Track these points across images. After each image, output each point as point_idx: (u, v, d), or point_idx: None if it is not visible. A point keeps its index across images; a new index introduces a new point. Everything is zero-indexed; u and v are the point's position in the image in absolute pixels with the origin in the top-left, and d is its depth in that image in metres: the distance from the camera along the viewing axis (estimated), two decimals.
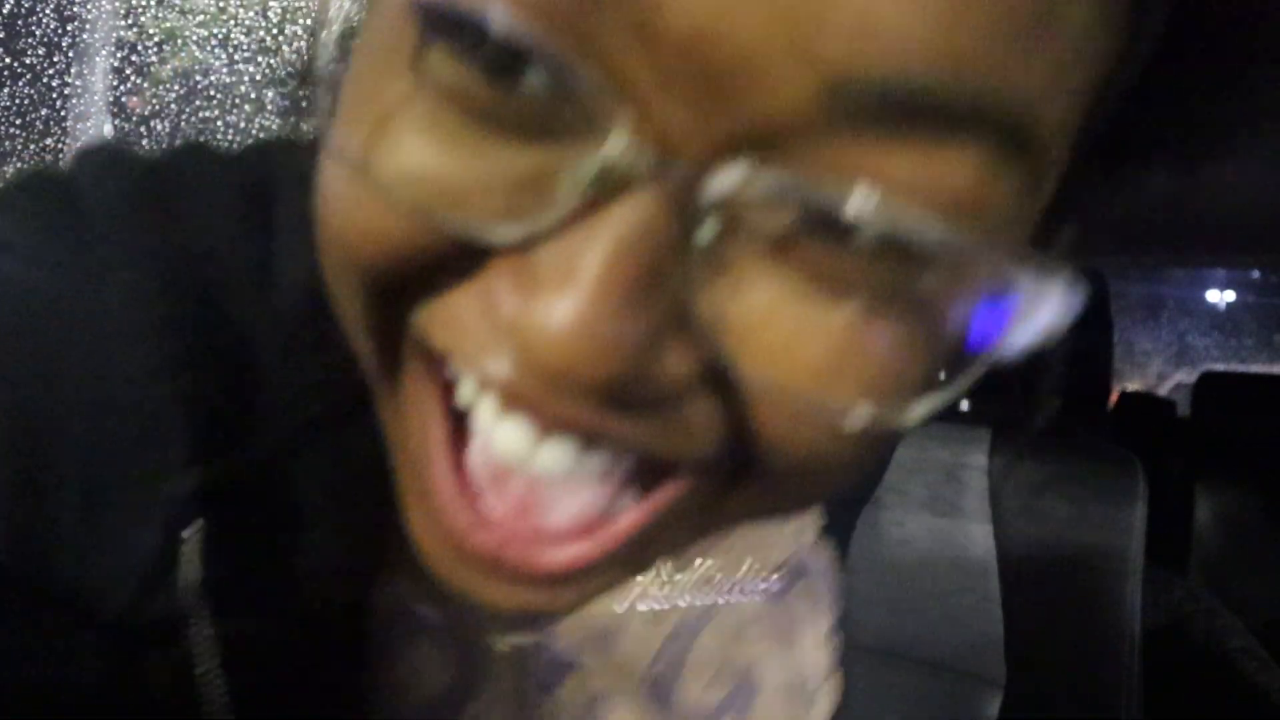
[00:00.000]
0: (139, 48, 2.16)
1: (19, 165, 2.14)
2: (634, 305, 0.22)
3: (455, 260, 0.24)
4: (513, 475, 0.27)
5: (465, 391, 0.26)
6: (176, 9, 2.09)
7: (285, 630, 0.31)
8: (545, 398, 0.24)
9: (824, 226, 0.22)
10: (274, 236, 0.33)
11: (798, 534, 0.47)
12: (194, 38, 2.11)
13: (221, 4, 2.08)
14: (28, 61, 1.96)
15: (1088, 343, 1.87)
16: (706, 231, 0.22)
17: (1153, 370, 6.06)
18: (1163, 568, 1.22)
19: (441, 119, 0.23)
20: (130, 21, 2.10)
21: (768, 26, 0.20)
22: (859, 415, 0.24)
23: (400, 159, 0.24)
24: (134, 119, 2.28)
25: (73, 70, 2.06)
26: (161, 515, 0.29)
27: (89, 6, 2.08)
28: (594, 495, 0.27)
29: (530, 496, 0.27)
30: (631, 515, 0.28)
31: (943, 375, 0.26)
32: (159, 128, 2.23)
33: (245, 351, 0.32)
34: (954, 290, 0.24)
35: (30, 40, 1.92)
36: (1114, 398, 2.41)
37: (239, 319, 0.32)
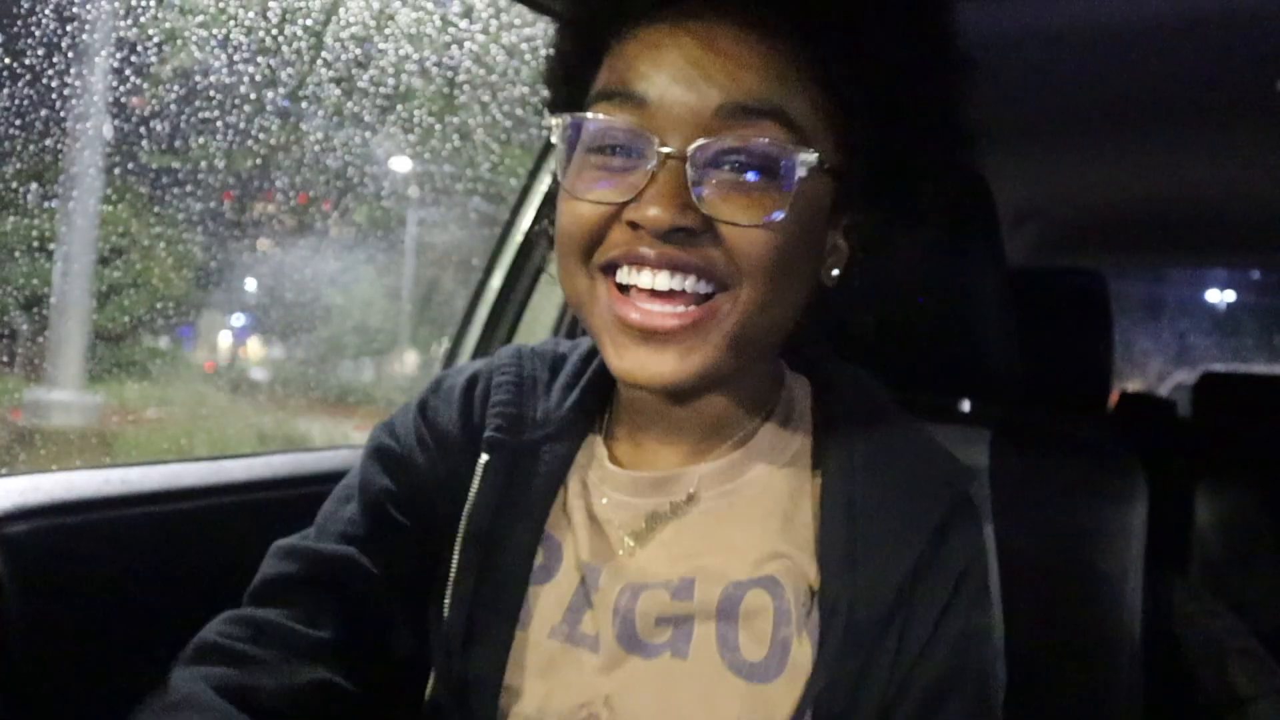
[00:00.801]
0: (138, 48, 2.15)
1: (18, 166, 2.13)
2: (674, 201, 0.68)
3: (611, 224, 0.72)
4: (647, 295, 0.71)
5: (621, 275, 0.72)
6: (176, 9, 2.08)
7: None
8: (653, 253, 0.69)
9: (736, 160, 0.70)
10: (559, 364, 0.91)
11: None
12: (194, 38, 2.10)
13: (222, 4, 2.07)
14: (27, 62, 1.95)
15: (1087, 343, 1.88)
16: (696, 171, 0.69)
17: (1153, 370, 6.04)
18: (1163, 568, 1.21)
19: (595, 171, 0.73)
20: (130, 21, 2.10)
21: (689, 91, 0.70)
22: (772, 230, 0.70)
23: (587, 189, 0.73)
24: (134, 119, 2.27)
25: (72, 70, 2.05)
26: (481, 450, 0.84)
27: (88, 6, 2.07)
28: (680, 301, 0.70)
29: (653, 303, 0.70)
30: (697, 308, 0.70)
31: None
32: (159, 128, 2.23)
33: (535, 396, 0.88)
34: (796, 186, 0.69)
35: (29, 40, 1.91)
36: (1114, 398, 2.40)
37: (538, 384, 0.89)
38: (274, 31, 2.09)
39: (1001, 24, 1.24)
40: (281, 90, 2.14)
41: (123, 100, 2.19)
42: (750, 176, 0.69)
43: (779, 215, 0.69)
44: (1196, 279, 6.45)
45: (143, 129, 2.25)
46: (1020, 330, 1.32)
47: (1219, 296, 6.85)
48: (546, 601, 0.80)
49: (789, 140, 0.69)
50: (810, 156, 0.69)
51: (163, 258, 2.42)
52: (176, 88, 2.19)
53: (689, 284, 0.70)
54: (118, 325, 2.39)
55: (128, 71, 2.14)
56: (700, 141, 0.68)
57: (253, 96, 2.15)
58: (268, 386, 2.91)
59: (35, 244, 2.08)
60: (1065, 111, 1.59)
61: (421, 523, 0.85)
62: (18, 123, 1.96)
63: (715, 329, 0.71)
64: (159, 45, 2.19)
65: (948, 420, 1.30)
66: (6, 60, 1.99)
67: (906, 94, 0.73)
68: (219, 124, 2.22)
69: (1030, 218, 2.31)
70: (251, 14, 2.07)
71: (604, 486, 0.83)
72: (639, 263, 0.70)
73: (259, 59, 2.10)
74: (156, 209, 2.36)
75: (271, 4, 2.03)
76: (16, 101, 2.06)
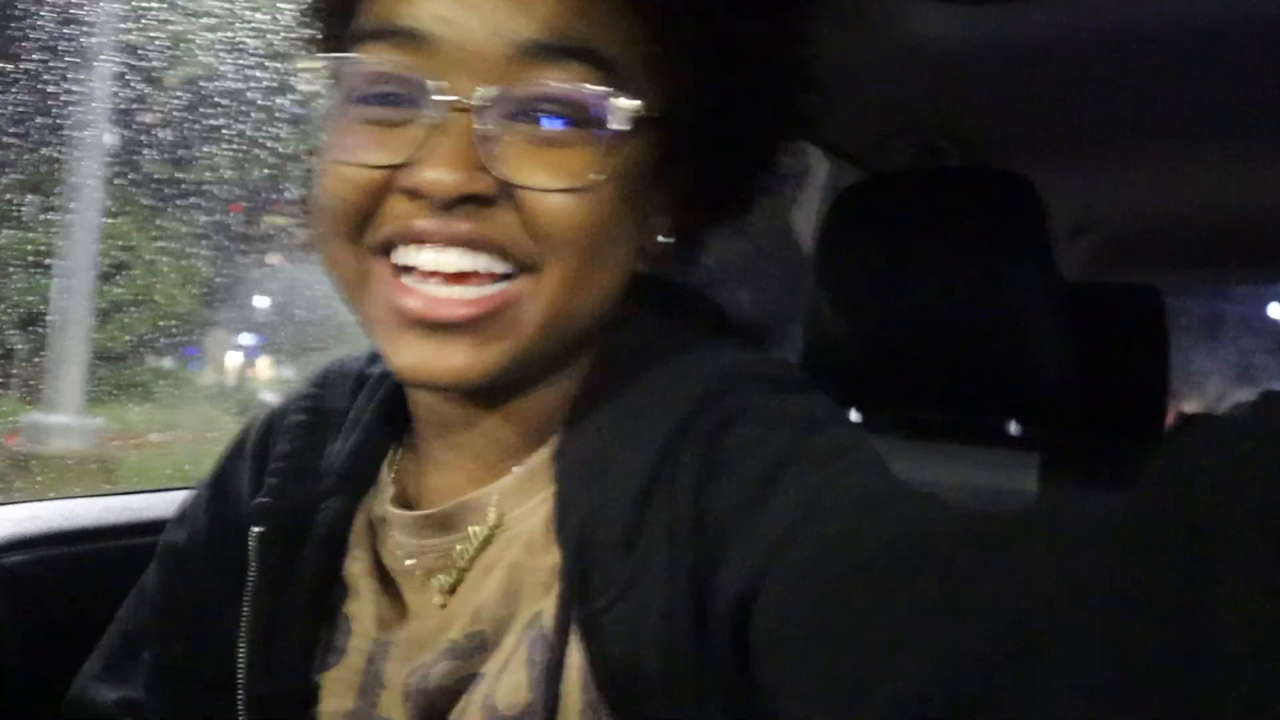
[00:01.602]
0: (142, 52, 2.05)
1: (18, 176, 2.03)
2: (462, 162, 0.55)
3: (385, 193, 0.58)
4: (430, 278, 0.57)
5: (399, 254, 0.58)
6: (183, 11, 1.98)
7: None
8: (436, 227, 0.56)
9: (532, 108, 0.57)
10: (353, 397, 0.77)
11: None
12: (201, 42, 2.00)
13: (230, 6, 1.97)
14: (25, 66, 1.84)
15: (1143, 361, 1.78)
16: (488, 124, 0.55)
17: (1212, 390, 5.91)
18: None
19: (363, 127, 0.59)
20: (135, 25, 1.99)
21: (480, 26, 0.56)
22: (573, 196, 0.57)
23: (353, 151, 0.58)
24: (134, 127, 2.17)
25: (72, 76, 1.95)
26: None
27: (90, 9, 1.97)
28: (473, 282, 0.57)
29: (439, 287, 0.57)
30: (493, 292, 0.57)
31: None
32: (164, 137, 2.12)
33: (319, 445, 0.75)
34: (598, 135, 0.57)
35: (27, 44, 1.81)
36: (1171, 419, 2.28)
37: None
38: (285, 35, 1.98)
39: (1054, 29, 1.16)
40: (293, 96, 2.03)
41: (126, 107, 2.09)
42: (556, 129, 0.57)
43: (592, 177, 0.57)
44: (1259, 295, 6.26)
45: (143, 138, 2.15)
46: (1076, 348, 1.24)
47: None
48: (336, 689, 0.69)
49: (603, 84, 0.57)
50: (630, 103, 0.57)
51: (167, 273, 2.32)
52: (182, 94, 2.09)
53: (482, 263, 0.57)
54: (119, 344, 2.28)
55: (131, 77, 2.04)
56: (493, 89, 0.55)
57: (262, 103, 2.04)
58: None
59: (34, 259, 1.97)
60: (1123, 121, 1.54)
61: (209, 638, 0.74)
62: (14, 131, 1.85)
63: (516, 317, 0.58)
64: (165, 50, 2.09)
65: (993, 443, 1.23)
66: (2, 65, 1.89)
67: (737, 27, 0.62)
68: (226, 132, 2.11)
69: (1086, 231, 2.21)
70: (261, 16, 1.96)
71: (391, 531, 0.69)
72: (420, 239, 0.57)
73: (269, 63, 1.99)
74: (160, 221, 2.25)
75: (283, 5, 1.91)
76: (13, 108, 1.96)
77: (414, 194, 0.57)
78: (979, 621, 0.34)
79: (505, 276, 0.59)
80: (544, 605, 0.62)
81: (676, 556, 0.57)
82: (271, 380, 2.92)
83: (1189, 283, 3.87)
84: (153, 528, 0.98)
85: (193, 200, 2.30)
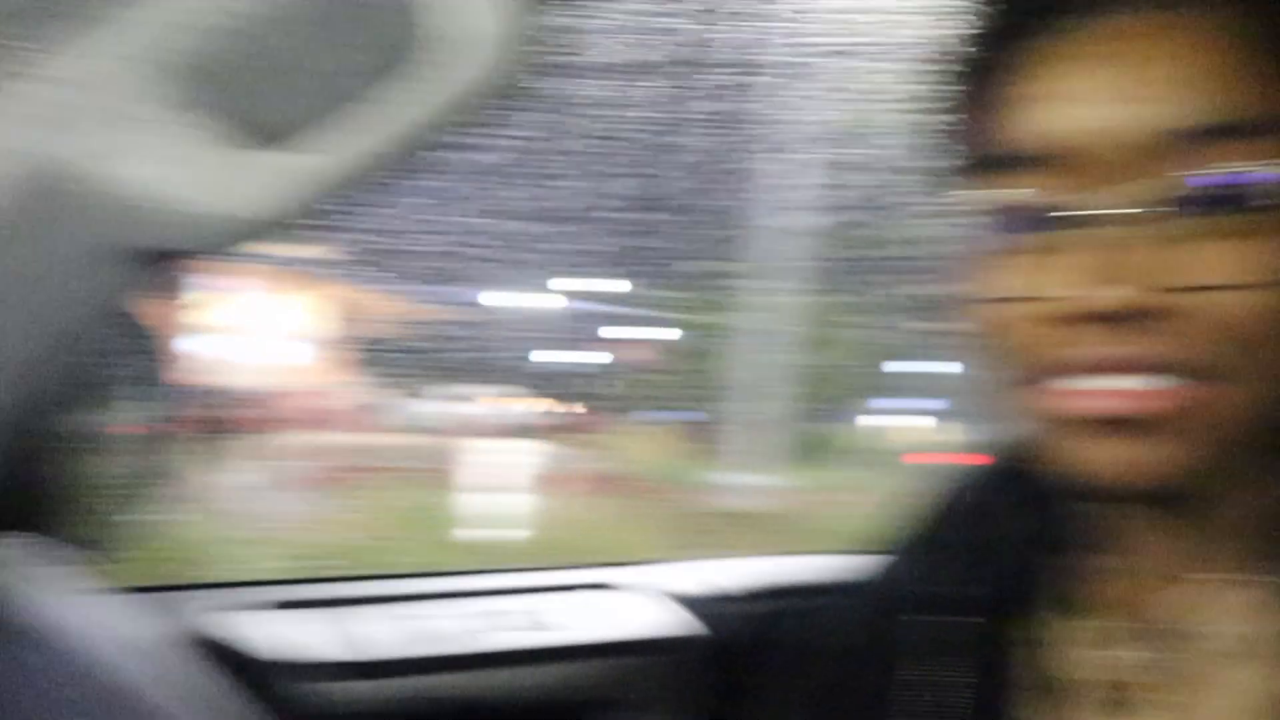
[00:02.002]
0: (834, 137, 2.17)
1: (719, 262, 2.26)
2: (1122, 274, 0.50)
3: (1045, 324, 0.54)
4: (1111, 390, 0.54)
5: (1066, 382, 0.55)
6: (869, 99, 2.04)
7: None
8: (1105, 353, 0.52)
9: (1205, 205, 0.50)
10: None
11: None
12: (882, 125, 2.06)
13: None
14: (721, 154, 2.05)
15: None
16: (1146, 227, 0.50)
17: None
18: None
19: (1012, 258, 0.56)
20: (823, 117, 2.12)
21: (1114, 118, 0.52)
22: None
23: (1005, 284, 0.56)
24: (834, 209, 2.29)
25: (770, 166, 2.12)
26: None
27: (790, 104, 2.14)
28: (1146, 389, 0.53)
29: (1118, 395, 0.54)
30: (1167, 395, 0.52)
31: None
32: (848, 219, 2.21)
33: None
34: None
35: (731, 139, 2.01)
36: None
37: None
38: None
39: None
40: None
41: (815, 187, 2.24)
42: (1225, 219, 0.51)
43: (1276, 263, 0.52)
44: None
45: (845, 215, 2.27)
46: None
47: None
48: None
49: (1267, 154, 0.51)
50: None
51: (850, 343, 2.42)
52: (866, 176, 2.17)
53: (1155, 380, 0.54)
54: (806, 410, 2.44)
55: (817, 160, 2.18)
56: (1143, 186, 0.52)
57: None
58: None
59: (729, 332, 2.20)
60: None
61: None
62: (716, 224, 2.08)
63: (1199, 420, 0.55)
64: (853, 135, 2.19)
65: None
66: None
67: None
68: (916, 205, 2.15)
69: None
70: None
71: (1063, 642, 0.67)
72: (1089, 369, 0.55)
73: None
74: (845, 294, 2.36)
75: None
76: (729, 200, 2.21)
77: (1072, 320, 0.54)
78: None
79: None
80: None
81: None
82: (947, 447, 2.90)
83: None
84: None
85: (878, 272, 2.38)
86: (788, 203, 2.19)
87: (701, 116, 1.91)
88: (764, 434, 2.37)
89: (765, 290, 2.27)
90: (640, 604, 1.09)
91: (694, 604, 1.06)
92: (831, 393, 2.56)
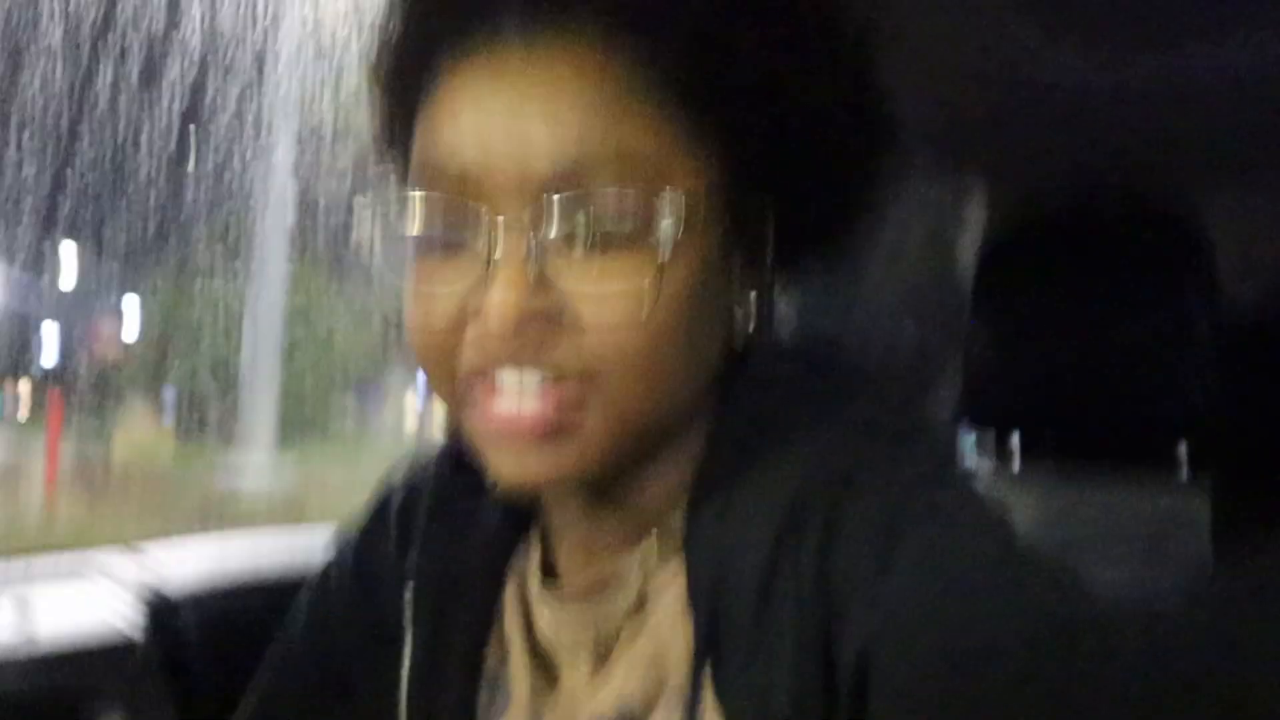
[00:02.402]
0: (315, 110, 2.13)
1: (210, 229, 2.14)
2: (520, 284, 0.54)
3: (463, 320, 0.57)
4: (514, 393, 0.58)
5: (484, 377, 0.57)
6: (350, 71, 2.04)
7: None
8: (510, 351, 0.55)
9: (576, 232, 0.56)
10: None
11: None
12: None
13: None
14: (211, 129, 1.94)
15: None
16: (543, 244, 0.54)
17: None
18: None
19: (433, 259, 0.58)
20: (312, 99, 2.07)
21: (515, 150, 0.55)
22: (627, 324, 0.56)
23: (428, 281, 0.58)
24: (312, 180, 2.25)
25: (260, 137, 2.03)
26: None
27: (274, 81, 2.06)
28: (547, 396, 0.57)
29: (524, 402, 0.57)
30: (564, 393, 0.57)
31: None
32: (336, 186, 2.19)
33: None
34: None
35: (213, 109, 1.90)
36: None
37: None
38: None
39: (1211, 65, 1.12)
40: None
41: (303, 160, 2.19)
42: (611, 235, 0.58)
43: (654, 273, 0.58)
44: None
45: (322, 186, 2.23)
46: (1254, 382, 1.27)
47: None
48: None
49: (651, 183, 0.58)
50: (681, 197, 0.58)
51: (346, 316, 2.39)
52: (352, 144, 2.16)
53: (550, 380, 0.59)
54: (304, 387, 2.37)
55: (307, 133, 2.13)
56: (538, 205, 0.58)
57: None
58: None
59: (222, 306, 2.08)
60: None
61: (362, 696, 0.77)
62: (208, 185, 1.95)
63: (588, 417, 0.61)
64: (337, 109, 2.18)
65: (1155, 484, 1.20)
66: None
67: (791, 92, 0.61)
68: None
69: (1261, 270, 2.13)
70: None
71: (539, 602, 0.70)
72: (498, 363, 0.59)
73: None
74: (339, 267, 2.33)
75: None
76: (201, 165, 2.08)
77: (469, 327, 0.58)
78: None
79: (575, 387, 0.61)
80: (686, 677, 0.63)
81: (805, 618, 0.58)
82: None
83: None
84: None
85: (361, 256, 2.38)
86: (263, 185, 2.12)
87: (164, 101, 1.79)
88: (256, 411, 2.27)
89: (256, 269, 2.17)
90: (110, 593, 1.01)
91: (166, 591, 1.00)
92: (330, 371, 2.51)
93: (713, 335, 0.63)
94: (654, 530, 0.66)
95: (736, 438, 0.67)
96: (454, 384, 0.63)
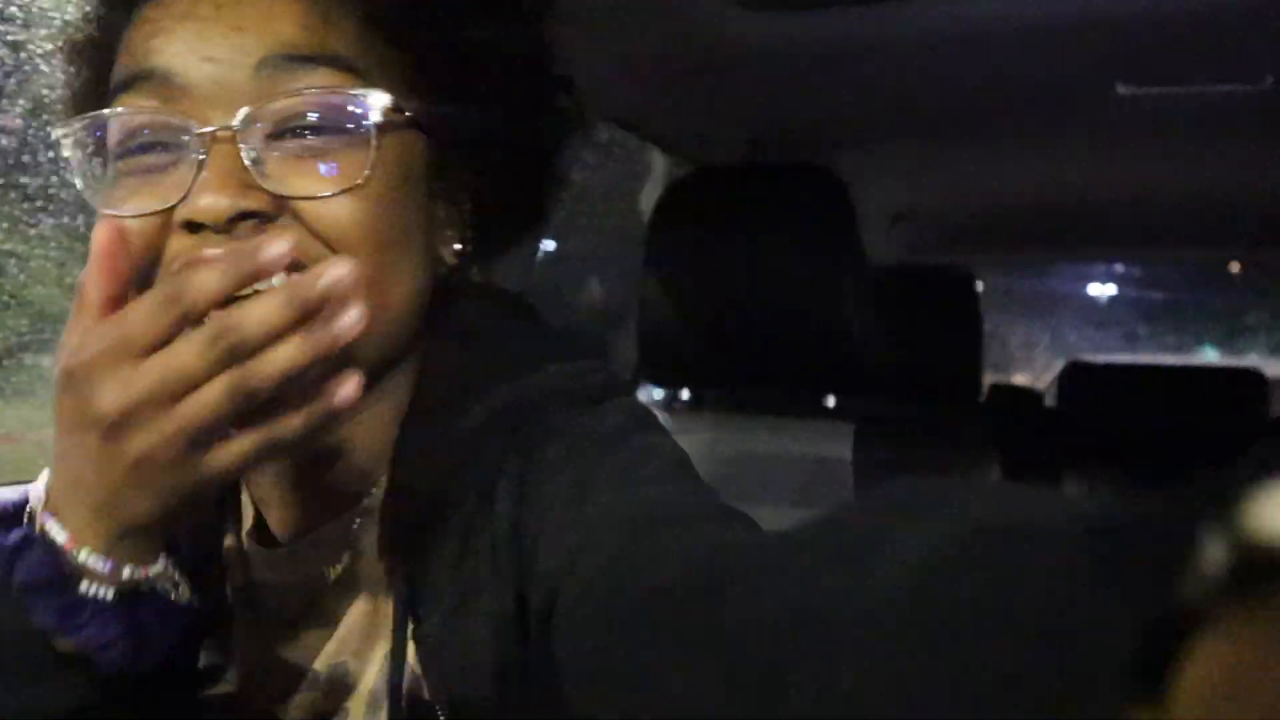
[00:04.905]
0: None
1: None
2: (232, 184, 0.55)
3: (164, 235, 0.57)
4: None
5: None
6: (21, 23, 1.98)
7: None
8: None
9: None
10: None
11: None
12: (40, 51, 2.01)
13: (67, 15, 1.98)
14: None
15: (955, 337, 1.94)
16: (253, 146, 0.56)
17: (1039, 364, 6.22)
18: None
19: (132, 178, 0.58)
20: None
21: (219, 55, 0.56)
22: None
23: (126, 202, 0.58)
24: None
25: None
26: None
27: None
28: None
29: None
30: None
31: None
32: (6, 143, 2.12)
33: None
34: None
35: None
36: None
37: None
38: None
39: (869, 32, 1.24)
40: None
41: None
42: (318, 138, 0.58)
43: (362, 176, 0.58)
44: (1079, 274, 6.62)
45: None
46: (891, 326, 1.34)
47: (1100, 290, 7.09)
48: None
49: (352, 86, 0.58)
50: (383, 98, 0.58)
51: (43, 273, 2.29)
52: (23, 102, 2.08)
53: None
54: None
55: None
56: (245, 110, 0.56)
57: None
58: None
59: None
60: (936, 112, 1.61)
61: None
62: None
63: None
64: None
65: (812, 416, 1.33)
66: None
67: (470, 32, 0.64)
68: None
69: (905, 218, 2.35)
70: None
71: (253, 562, 0.69)
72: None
73: None
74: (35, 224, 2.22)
75: None
76: None
77: (192, 226, 0.56)
78: (753, 658, 0.36)
79: None
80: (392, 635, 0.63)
81: (499, 572, 0.59)
82: None
83: (1010, 265, 4.04)
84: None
85: (38, 204, 2.29)
86: None
87: None
88: None
89: None
90: None
91: None
92: (21, 324, 2.39)
93: (419, 266, 0.63)
94: (363, 498, 0.65)
95: (434, 391, 0.65)
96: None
